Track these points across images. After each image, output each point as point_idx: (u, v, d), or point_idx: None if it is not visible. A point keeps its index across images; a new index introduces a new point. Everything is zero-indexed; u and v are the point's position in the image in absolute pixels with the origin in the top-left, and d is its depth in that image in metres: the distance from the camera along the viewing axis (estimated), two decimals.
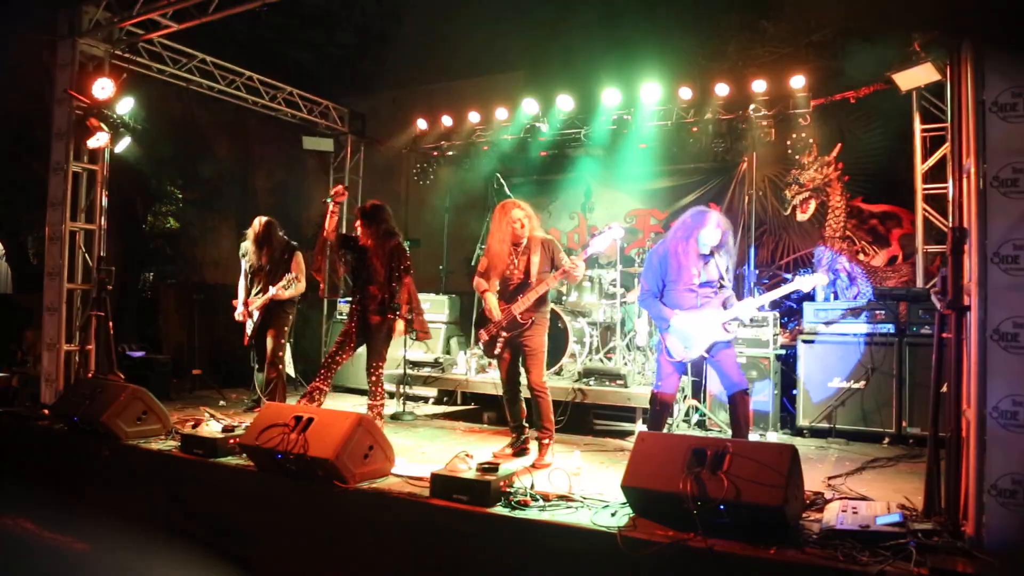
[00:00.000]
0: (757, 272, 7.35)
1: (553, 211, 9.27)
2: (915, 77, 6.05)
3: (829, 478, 4.60)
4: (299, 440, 4.17)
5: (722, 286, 4.51)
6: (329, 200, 5.23)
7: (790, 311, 6.81)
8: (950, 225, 3.58)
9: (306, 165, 10.43)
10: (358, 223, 5.44)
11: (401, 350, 7.41)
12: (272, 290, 6.22)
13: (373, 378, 5.36)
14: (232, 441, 4.78)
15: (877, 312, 6.00)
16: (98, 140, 6.62)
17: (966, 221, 3.40)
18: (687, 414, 6.21)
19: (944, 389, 3.56)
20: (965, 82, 3.44)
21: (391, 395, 7.35)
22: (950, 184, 3.80)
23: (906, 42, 5.93)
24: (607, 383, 6.30)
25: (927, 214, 6.49)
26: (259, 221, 6.42)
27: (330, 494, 4.03)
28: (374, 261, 5.33)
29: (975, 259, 3.25)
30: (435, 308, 8.26)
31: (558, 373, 6.78)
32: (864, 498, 3.98)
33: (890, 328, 5.94)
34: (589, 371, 6.46)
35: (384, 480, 4.24)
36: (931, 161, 6.50)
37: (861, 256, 7.27)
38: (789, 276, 7.33)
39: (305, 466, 4.13)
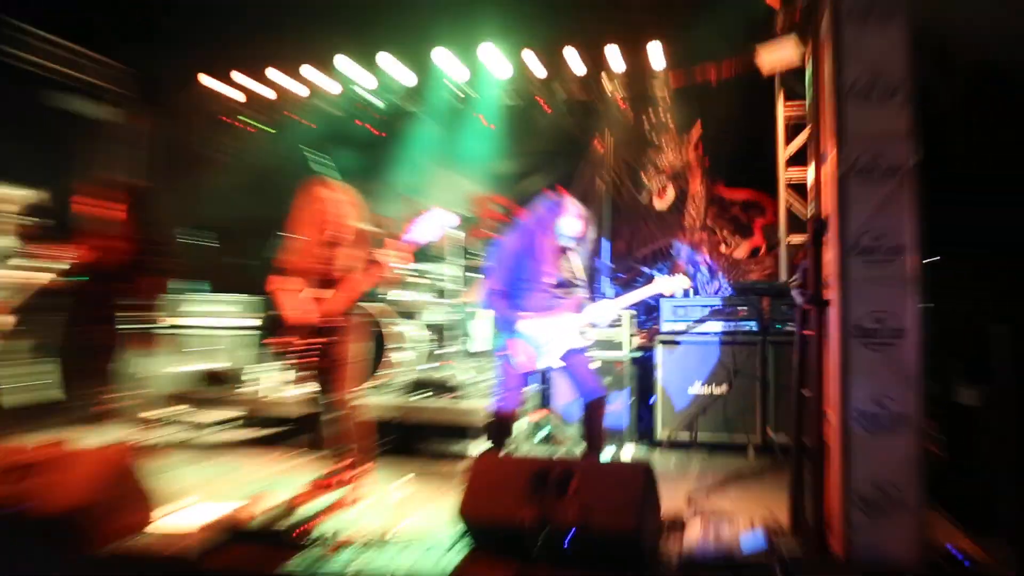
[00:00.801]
0: (612, 266, 7.53)
1: (380, 194, 9.03)
2: (776, 59, 6.43)
3: (690, 495, 4.72)
4: (19, 491, 3.65)
5: (577, 285, 4.59)
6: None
7: (647, 308, 7.00)
8: (810, 215, 3.79)
9: (75, 130, 9.50)
10: (93, 206, 4.98)
11: (187, 365, 6.94)
12: None
13: (100, 407, 4.86)
14: None
15: (739, 308, 6.24)
16: None
17: (826, 210, 3.62)
18: (532, 430, 6.21)
19: (807, 391, 3.75)
20: (823, 65, 3.69)
21: (160, 420, 6.83)
22: (810, 171, 4.03)
23: (768, 25, 6.27)
24: (440, 397, 6.21)
25: (790, 202, 6.92)
26: None
27: (67, 561, 3.58)
28: (112, 258, 4.90)
29: (835, 250, 3.45)
30: (234, 312, 7.79)
31: (382, 386, 6.58)
32: (727, 516, 4.11)
33: (753, 326, 6.20)
34: (420, 383, 6.34)
35: (144, 536, 3.82)
36: (794, 146, 6.94)
37: (723, 248, 7.64)
38: (647, 270, 7.61)
39: (31, 525, 3.64)
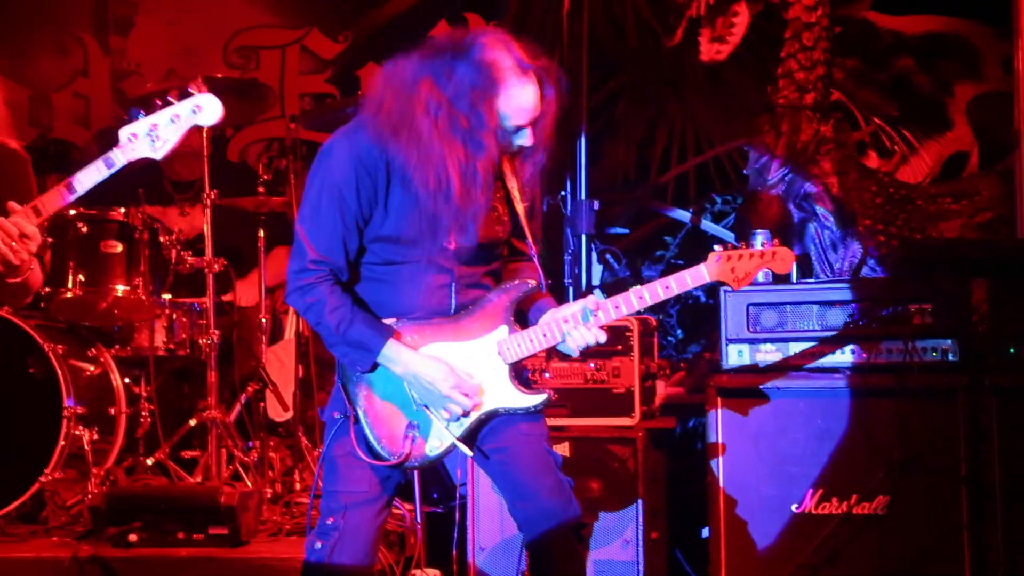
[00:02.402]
0: (597, 203, 4.31)
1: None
2: None
3: None
4: None
5: (515, 253, 2.70)
6: None
7: (689, 310, 4.43)
8: None
9: None
10: None
11: None
12: None
13: None
14: None
15: (913, 309, 3.70)
16: None
17: None
18: None
19: None
20: None
21: None
22: None
23: None
24: (180, 535, 3.68)
25: None
26: None
27: None
28: None
29: None
30: None
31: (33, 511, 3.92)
32: None
33: (948, 350, 3.69)
34: (129, 503, 3.81)
35: None
36: None
37: (870, 156, 4.55)
38: (683, 217, 4.74)
39: None
